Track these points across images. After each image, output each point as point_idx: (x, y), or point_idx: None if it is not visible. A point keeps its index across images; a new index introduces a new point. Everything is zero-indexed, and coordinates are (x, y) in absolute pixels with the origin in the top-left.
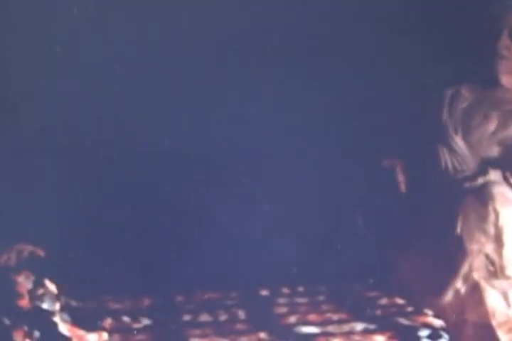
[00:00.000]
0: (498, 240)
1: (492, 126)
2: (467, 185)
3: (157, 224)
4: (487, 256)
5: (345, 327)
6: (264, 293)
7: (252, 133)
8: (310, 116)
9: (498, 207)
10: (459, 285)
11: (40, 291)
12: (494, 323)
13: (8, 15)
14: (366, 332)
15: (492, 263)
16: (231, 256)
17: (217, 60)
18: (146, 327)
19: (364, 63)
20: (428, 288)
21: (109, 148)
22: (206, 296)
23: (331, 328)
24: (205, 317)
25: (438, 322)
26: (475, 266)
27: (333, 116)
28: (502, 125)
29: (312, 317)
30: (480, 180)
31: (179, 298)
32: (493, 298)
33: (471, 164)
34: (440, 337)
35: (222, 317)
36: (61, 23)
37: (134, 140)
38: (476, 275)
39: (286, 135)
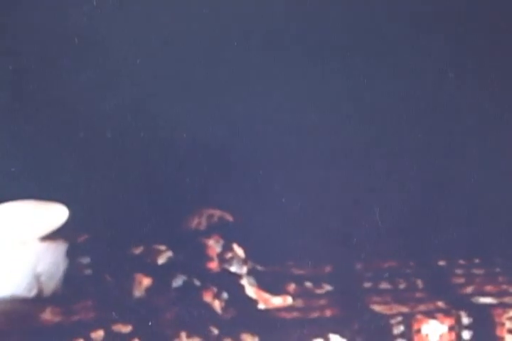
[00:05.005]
0: None
1: None
2: None
3: None
4: None
5: None
6: (442, 263)
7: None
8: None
9: None
10: None
11: (229, 255)
12: None
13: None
14: None
15: None
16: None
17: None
18: (328, 293)
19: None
20: None
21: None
22: (385, 265)
23: (507, 299)
24: (384, 285)
25: None
26: None
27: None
28: None
29: (489, 288)
30: None
31: (359, 266)
32: None
33: None
34: None
35: (401, 286)
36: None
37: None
38: None
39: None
